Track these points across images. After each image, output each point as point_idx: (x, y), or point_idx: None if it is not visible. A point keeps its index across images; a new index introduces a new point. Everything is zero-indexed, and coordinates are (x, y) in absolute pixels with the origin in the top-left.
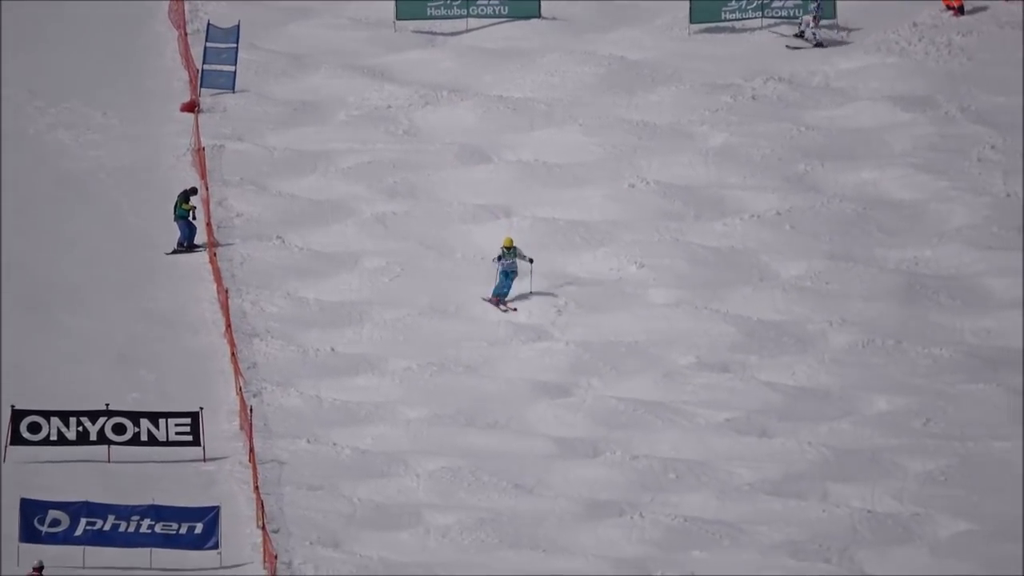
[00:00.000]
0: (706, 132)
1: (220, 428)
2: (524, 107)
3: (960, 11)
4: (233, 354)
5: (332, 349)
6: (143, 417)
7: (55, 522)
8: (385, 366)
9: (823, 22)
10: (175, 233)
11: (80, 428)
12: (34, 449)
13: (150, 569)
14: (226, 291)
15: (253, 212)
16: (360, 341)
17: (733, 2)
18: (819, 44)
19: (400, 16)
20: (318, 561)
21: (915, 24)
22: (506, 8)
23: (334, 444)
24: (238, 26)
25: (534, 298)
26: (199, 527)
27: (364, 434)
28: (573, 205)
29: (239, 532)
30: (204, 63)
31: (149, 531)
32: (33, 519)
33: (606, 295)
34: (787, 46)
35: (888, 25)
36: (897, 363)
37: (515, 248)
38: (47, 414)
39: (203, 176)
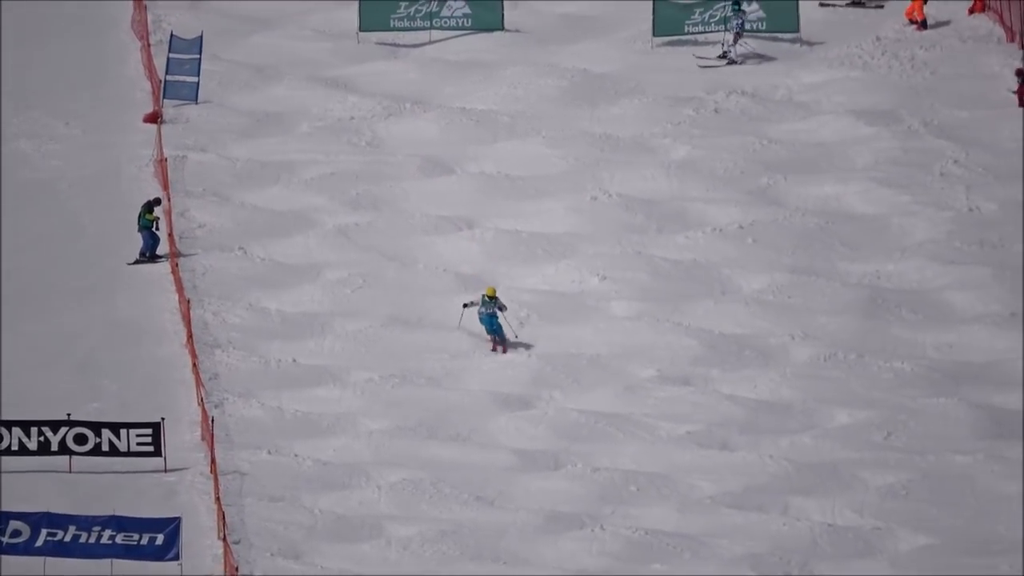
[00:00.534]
0: (669, 145)
1: (181, 439)
2: (487, 119)
3: (923, 25)
4: (195, 365)
5: (294, 360)
6: (104, 427)
7: (16, 532)
8: (347, 377)
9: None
10: (137, 243)
11: (41, 438)
12: None
13: None
14: (188, 301)
15: (215, 223)
16: (322, 352)
17: (696, 15)
18: (731, 62)
19: (363, 27)
20: (279, 573)
21: (878, 38)
22: (469, 20)
23: (295, 455)
24: (201, 37)
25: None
26: (160, 538)
27: (326, 445)
28: (535, 217)
29: (200, 543)
30: (167, 74)
31: (110, 542)
32: None
33: (568, 308)
34: (699, 64)
35: (851, 39)
36: (859, 377)
37: (497, 299)
38: (8, 424)
39: (165, 187)
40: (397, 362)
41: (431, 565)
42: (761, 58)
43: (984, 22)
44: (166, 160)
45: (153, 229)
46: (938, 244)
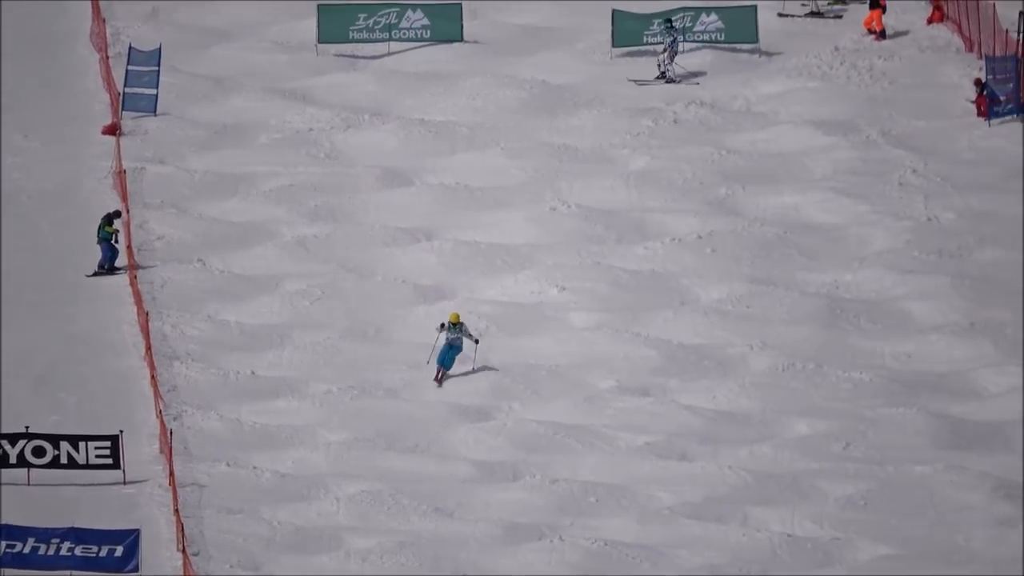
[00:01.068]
0: (628, 156)
1: (140, 451)
2: (446, 130)
3: (882, 35)
4: (153, 377)
5: (252, 372)
6: (63, 440)
7: None
8: (305, 389)
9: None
10: (96, 255)
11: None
12: None
13: None
14: (146, 314)
15: (174, 235)
16: (280, 364)
17: (655, 26)
18: (669, 80)
19: (322, 39)
20: None
21: (837, 48)
22: (428, 32)
23: (254, 467)
24: (159, 49)
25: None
26: (119, 550)
27: (284, 457)
28: (494, 228)
29: (159, 555)
30: (125, 86)
31: (69, 554)
32: None
33: (527, 318)
34: (638, 85)
35: (810, 49)
36: (817, 387)
37: (462, 324)
38: None
39: (124, 199)
40: (356, 374)
41: None
42: (719, 69)
43: (943, 32)
44: (125, 172)
45: (112, 241)
46: (897, 254)
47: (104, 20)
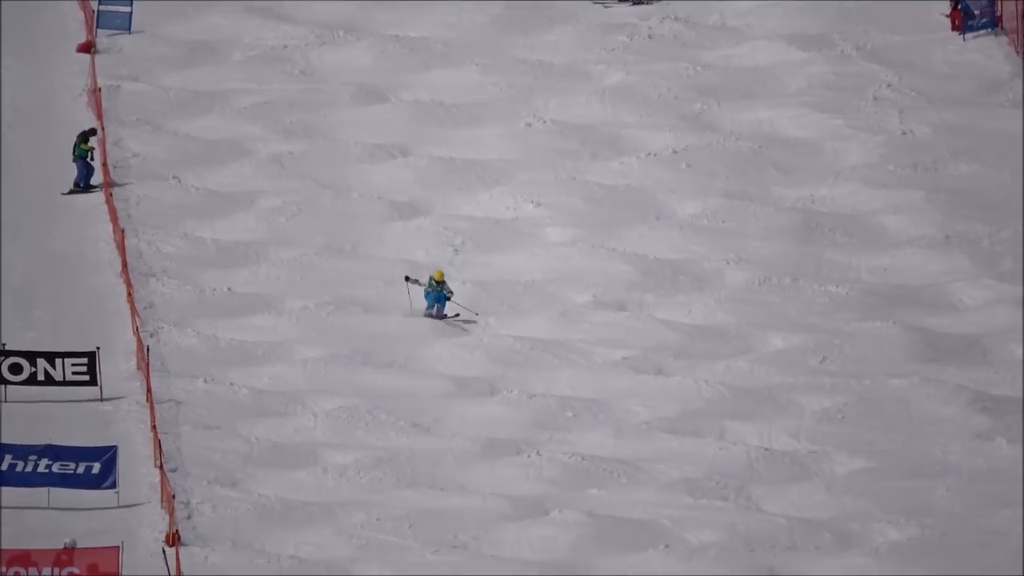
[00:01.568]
0: (603, 71)
1: (117, 368)
2: (420, 47)
3: None
4: (130, 294)
5: (229, 289)
6: (39, 357)
7: None
8: (282, 306)
9: None
10: (71, 173)
11: None
12: None
13: (48, 508)
14: (122, 231)
15: (149, 152)
16: (257, 281)
17: None
18: (637, 2)
19: None
20: (216, 500)
21: None
22: None
23: (231, 384)
24: None
25: (431, 238)
26: (96, 467)
27: (261, 373)
28: (469, 144)
29: (137, 471)
30: (100, 3)
31: (46, 471)
32: None
33: (502, 234)
34: (605, 7)
35: None
36: (793, 301)
37: (444, 283)
38: None
39: (99, 116)
40: (332, 290)
41: (367, 492)
42: None
43: None
44: (100, 90)
45: (88, 159)
46: (872, 168)
47: None
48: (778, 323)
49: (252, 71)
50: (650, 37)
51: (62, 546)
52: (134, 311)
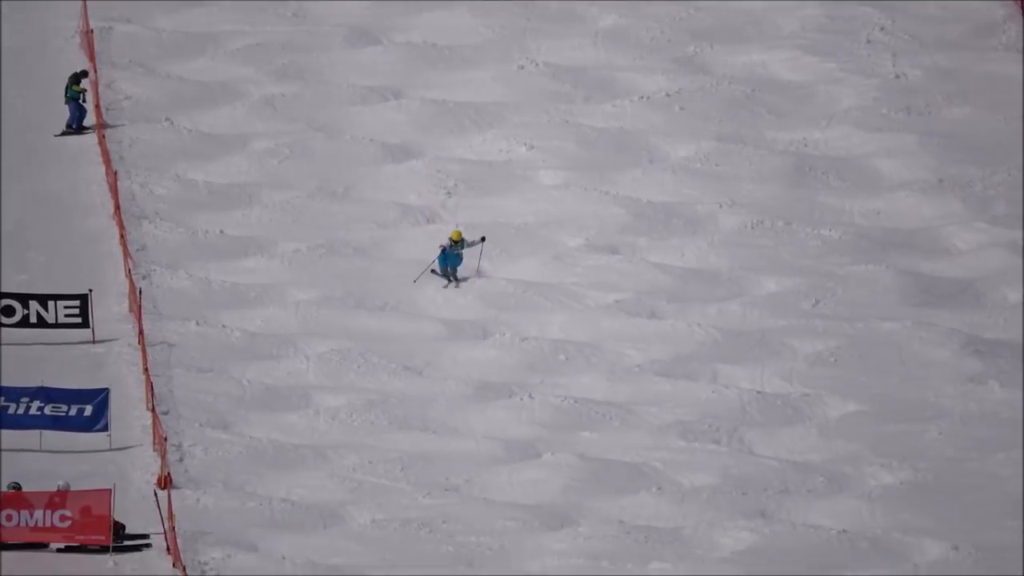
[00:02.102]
0: (596, 14)
1: (109, 310)
2: None
3: None
4: (122, 236)
5: (221, 231)
6: (32, 299)
7: None
8: (274, 248)
9: None
10: (64, 115)
11: None
12: None
13: (40, 451)
14: (115, 173)
15: (142, 94)
16: (249, 223)
17: None
18: None
19: None
20: (208, 443)
21: None
22: None
23: (223, 326)
24: None
25: (423, 181)
26: (88, 409)
27: (253, 316)
28: (462, 87)
29: (129, 414)
30: None
31: (39, 413)
32: None
33: (495, 177)
34: None
35: None
36: (786, 244)
37: (463, 240)
38: None
39: (91, 58)
40: (324, 232)
41: (359, 434)
42: None
43: None
44: (92, 32)
45: (80, 101)
46: (864, 111)
47: None
48: (771, 266)
49: (245, 13)
50: None
51: (55, 488)
52: (126, 253)
